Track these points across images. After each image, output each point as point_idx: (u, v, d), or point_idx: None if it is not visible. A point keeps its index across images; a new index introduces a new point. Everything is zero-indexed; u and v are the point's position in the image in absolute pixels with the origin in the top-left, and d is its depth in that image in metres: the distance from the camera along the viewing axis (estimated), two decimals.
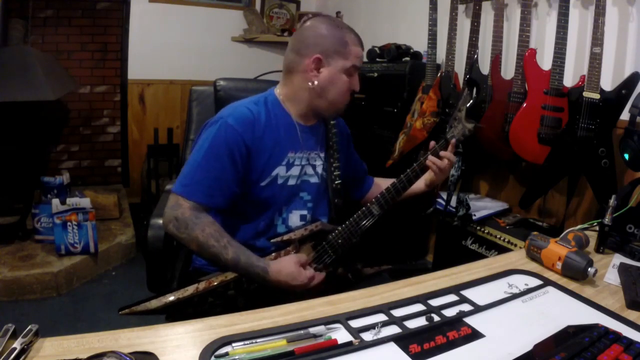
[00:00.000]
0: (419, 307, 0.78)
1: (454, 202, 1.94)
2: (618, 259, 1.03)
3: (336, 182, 1.20)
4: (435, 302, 0.79)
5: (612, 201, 1.04)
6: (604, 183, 1.56)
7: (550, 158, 1.65)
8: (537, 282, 0.89)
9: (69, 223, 2.25)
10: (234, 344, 0.65)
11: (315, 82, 1.07)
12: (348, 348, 0.65)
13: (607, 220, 1.03)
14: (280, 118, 1.11)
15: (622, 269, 0.95)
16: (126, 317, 0.97)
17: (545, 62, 1.74)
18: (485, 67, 1.91)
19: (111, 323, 1.88)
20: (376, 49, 2.56)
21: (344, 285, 1.11)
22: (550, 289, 0.87)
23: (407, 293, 0.82)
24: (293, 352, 0.63)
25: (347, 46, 1.08)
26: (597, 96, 1.52)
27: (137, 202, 3.27)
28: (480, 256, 1.87)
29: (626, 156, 1.38)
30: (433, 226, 2.42)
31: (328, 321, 0.72)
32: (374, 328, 0.70)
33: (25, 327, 0.63)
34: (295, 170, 1.13)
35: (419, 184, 1.21)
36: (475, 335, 0.70)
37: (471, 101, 1.89)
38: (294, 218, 1.14)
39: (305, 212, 1.16)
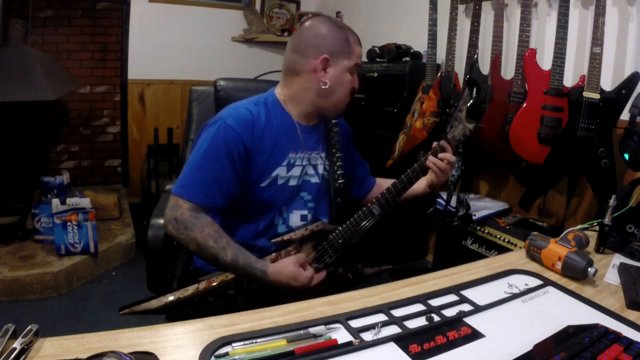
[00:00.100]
0: (419, 307, 0.78)
1: (454, 202, 1.94)
2: (618, 259, 1.03)
3: (339, 181, 1.20)
4: (435, 302, 0.79)
5: (612, 201, 1.04)
6: (604, 183, 1.56)
7: (550, 158, 1.65)
8: (537, 282, 0.89)
9: (69, 223, 2.25)
10: (234, 344, 0.65)
11: (327, 83, 1.08)
12: (348, 348, 0.65)
13: (607, 220, 1.03)
14: (281, 118, 1.11)
15: (622, 269, 0.95)
16: (126, 317, 0.97)
17: (545, 62, 1.74)
18: (485, 67, 1.91)
19: (111, 323, 1.88)
20: (376, 49, 2.56)
21: (344, 286, 1.11)
22: (550, 289, 0.87)
23: (407, 293, 0.82)
24: (293, 352, 0.63)
25: (350, 45, 1.09)
26: (597, 96, 1.52)
27: (137, 202, 3.27)
28: (480, 256, 1.87)
29: (626, 156, 1.38)
30: (433, 226, 2.42)
31: (328, 321, 0.72)
32: (374, 328, 0.70)
33: (25, 327, 0.63)
34: (296, 171, 1.13)
35: (420, 185, 1.21)
36: (475, 335, 0.70)
37: (471, 101, 1.89)
38: (295, 218, 1.14)
39: (305, 212, 1.16)
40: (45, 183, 2.63)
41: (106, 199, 2.78)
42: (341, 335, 0.69)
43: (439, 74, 2.11)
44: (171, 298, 0.99)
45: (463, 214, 1.90)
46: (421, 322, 0.73)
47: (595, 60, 1.51)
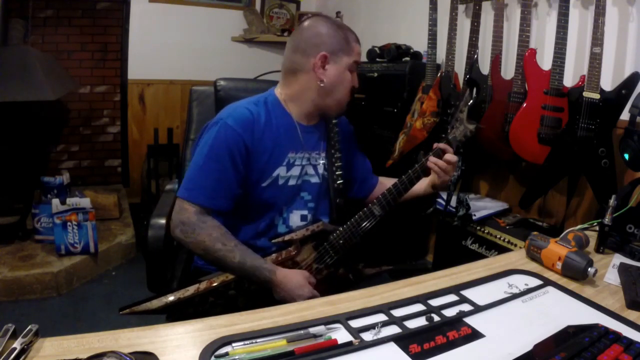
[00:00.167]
0: (419, 307, 0.78)
1: (454, 202, 1.94)
2: (618, 259, 1.03)
3: (338, 181, 1.20)
4: (435, 302, 0.79)
5: (612, 201, 1.04)
6: (604, 183, 1.56)
7: (550, 158, 1.65)
8: (537, 282, 0.89)
9: (69, 223, 2.25)
10: (234, 344, 0.65)
11: (325, 80, 1.08)
12: (348, 348, 0.65)
13: (607, 220, 1.03)
14: (281, 118, 1.11)
15: (622, 269, 0.94)
16: (126, 317, 0.97)
17: (545, 62, 1.74)
18: (485, 67, 1.91)
19: (111, 323, 1.88)
20: (376, 49, 2.56)
21: (344, 286, 1.11)
22: (550, 289, 0.87)
23: (407, 293, 0.82)
24: (293, 352, 0.63)
25: (349, 43, 1.09)
26: (597, 96, 1.51)
27: (137, 202, 3.27)
28: (480, 256, 1.87)
29: (626, 156, 1.38)
30: (433, 226, 2.42)
31: (328, 321, 0.72)
32: (374, 328, 0.70)
33: (25, 327, 0.63)
34: (295, 171, 1.13)
35: (422, 185, 1.20)
36: (475, 335, 0.70)
37: (471, 101, 1.89)
38: (295, 218, 1.14)
39: (306, 212, 1.16)
40: (45, 183, 2.63)
41: (106, 199, 2.78)
42: (341, 335, 0.69)
43: (439, 74, 2.11)
44: (172, 298, 0.99)
45: (463, 214, 1.90)
46: (421, 322, 0.73)
47: (595, 60, 1.51)
